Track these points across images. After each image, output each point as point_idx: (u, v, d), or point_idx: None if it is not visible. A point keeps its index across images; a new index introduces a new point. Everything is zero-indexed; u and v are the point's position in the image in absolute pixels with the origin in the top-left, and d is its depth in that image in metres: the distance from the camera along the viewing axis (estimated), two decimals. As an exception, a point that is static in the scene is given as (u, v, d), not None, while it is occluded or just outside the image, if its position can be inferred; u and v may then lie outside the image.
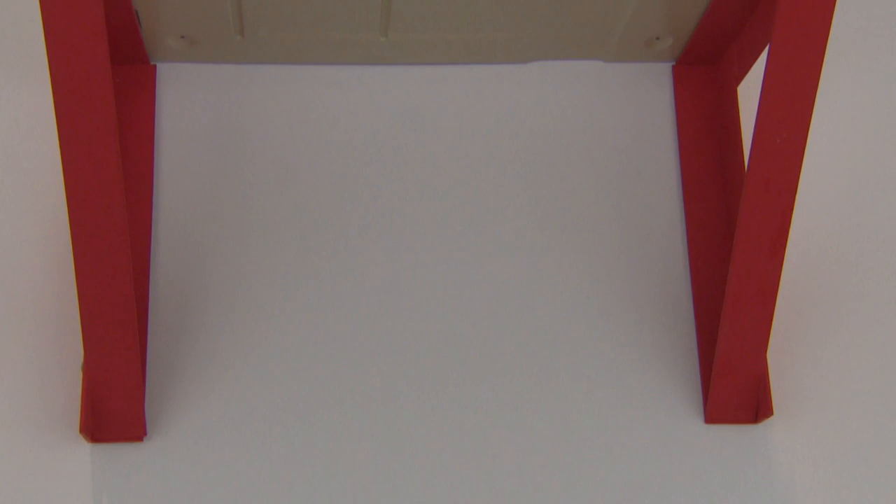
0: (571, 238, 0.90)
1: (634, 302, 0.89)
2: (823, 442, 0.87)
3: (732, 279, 0.81)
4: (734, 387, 0.83)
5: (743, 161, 0.89)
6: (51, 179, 0.88)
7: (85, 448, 0.83)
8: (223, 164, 0.90)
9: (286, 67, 0.93)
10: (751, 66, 0.89)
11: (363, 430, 0.85)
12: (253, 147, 0.91)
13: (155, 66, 0.91)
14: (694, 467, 0.85)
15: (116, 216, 0.76)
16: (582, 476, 0.85)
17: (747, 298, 0.81)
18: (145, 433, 0.83)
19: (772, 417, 0.84)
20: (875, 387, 0.88)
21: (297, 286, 0.87)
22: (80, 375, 0.83)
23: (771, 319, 0.82)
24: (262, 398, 0.85)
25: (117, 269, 0.77)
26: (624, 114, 0.94)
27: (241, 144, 0.91)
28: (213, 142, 0.91)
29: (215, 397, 0.84)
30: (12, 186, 0.89)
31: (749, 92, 0.90)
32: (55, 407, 0.84)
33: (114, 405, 0.81)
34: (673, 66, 0.94)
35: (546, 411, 0.86)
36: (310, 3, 0.85)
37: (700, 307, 0.88)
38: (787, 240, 0.80)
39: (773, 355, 0.87)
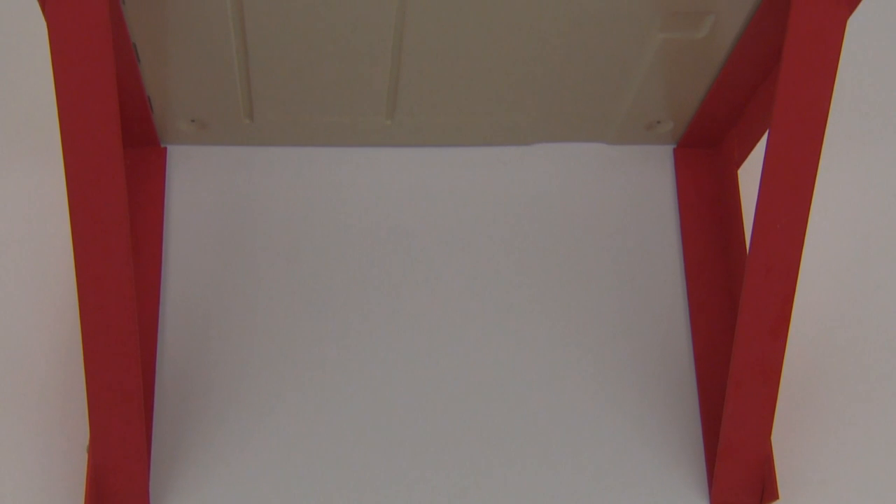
0: (573, 320, 0.91)
1: (637, 384, 0.89)
2: (828, 524, 0.87)
3: (735, 361, 0.82)
4: (739, 470, 0.83)
5: (744, 244, 0.90)
6: (60, 260, 0.89)
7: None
8: (231, 245, 0.91)
9: (293, 149, 0.94)
10: (751, 150, 0.91)
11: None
12: (261, 227, 0.92)
13: (165, 149, 0.92)
14: (699, 549, 0.86)
15: (125, 298, 0.76)
16: (587, 558, 0.85)
17: (751, 381, 0.81)
18: (150, 515, 0.83)
19: (777, 501, 0.84)
20: (881, 469, 0.88)
21: (304, 369, 0.88)
22: (85, 458, 0.83)
23: (775, 402, 0.82)
24: (268, 482, 0.85)
25: (125, 351, 0.77)
26: (626, 195, 0.95)
27: (249, 225, 0.92)
28: (222, 222, 0.92)
29: (220, 481, 0.84)
30: (22, 266, 0.90)
31: (750, 175, 0.92)
32: (60, 489, 0.83)
33: (119, 488, 0.81)
34: (674, 149, 0.96)
35: (550, 495, 0.86)
36: (318, 88, 0.86)
37: (703, 389, 0.89)
38: (789, 322, 0.81)
39: (777, 438, 0.87)
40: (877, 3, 1.01)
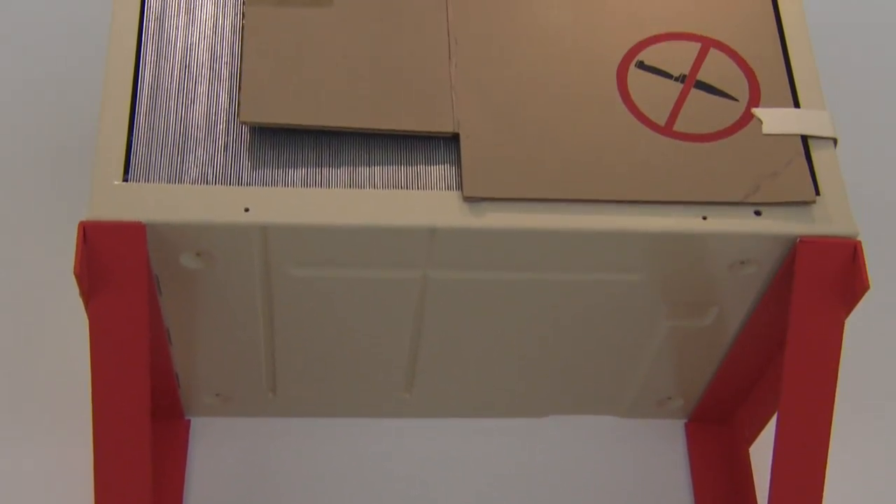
0: None
1: None
2: None
3: None
4: None
5: (757, 523, 0.91)
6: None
7: None
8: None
9: (314, 420, 0.97)
10: (761, 428, 0.93)
11: None
12: (281, 497, 0.93)
13: (189, 421, 0.95)
14: None
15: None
16: None
17: None
18: None
19: None
20: None
21: None
22: None
23: None
24: None
25: None
26: (638, 468, 0.97)
27: (269, 495, 0.93)
28: (242, 492, 0.93)
29: None
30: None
31: (762, 453, 0.93)
32: None
33: None
34: (686, 424, 0.98)
35: None
36: (339, 366, 0.90)
37: None
38: None
39: None
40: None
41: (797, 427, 0.79)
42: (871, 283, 0.75)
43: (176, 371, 0.89)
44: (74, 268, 0.71)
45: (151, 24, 0.81)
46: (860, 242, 0.76)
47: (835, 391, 0.80)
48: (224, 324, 0.84)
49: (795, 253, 0.76)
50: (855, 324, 0.84)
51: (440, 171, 0.77)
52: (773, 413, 0.89)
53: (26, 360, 0.98)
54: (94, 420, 0.76)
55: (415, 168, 0.77)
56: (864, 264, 0.75)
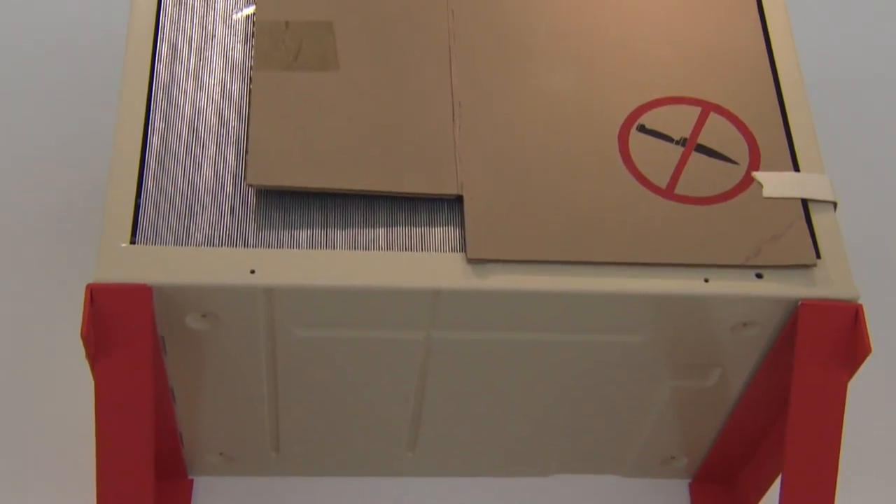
0: None
1: None
2: None
3: None
4: None
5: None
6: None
7: None
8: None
9: (317, 480, 0.96)
10: (766, 489, 0.92)
11: None
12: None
13: (192, 480, 0.95)
14: None
15: None
16: None
17: None
18: None
19: None
20: None
21: None
22: None
23: None
24: None
25: None
26: (643, 528, 0.97)
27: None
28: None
29: None
30: None
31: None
32: None
33: None
34: (690, 484, 0.98)
35: None
36: (342, 425, 0.90)
37: None
38: None
39: None
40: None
41: (801, 489, 0.79)
42: (872, 346, 0.75)
43: (180, 430, 0.89)
44: (81, 331, 0.72)
45: (160, 89, 0.82)
46: (861, 306, 0.77)
47: (838, 453, 0.80)
48: (228, 383, 0.84)
49: (797, 316, 0.77)
50: (859, 385, 0.84)
51: (444, 233, 0.78)
52: (778, 474, 0.89)
53: (31, 420, 0.98)
54: (98, 480, 0.76)
55: (419, 230, 0.78)
56: (866, 328, 0.76)
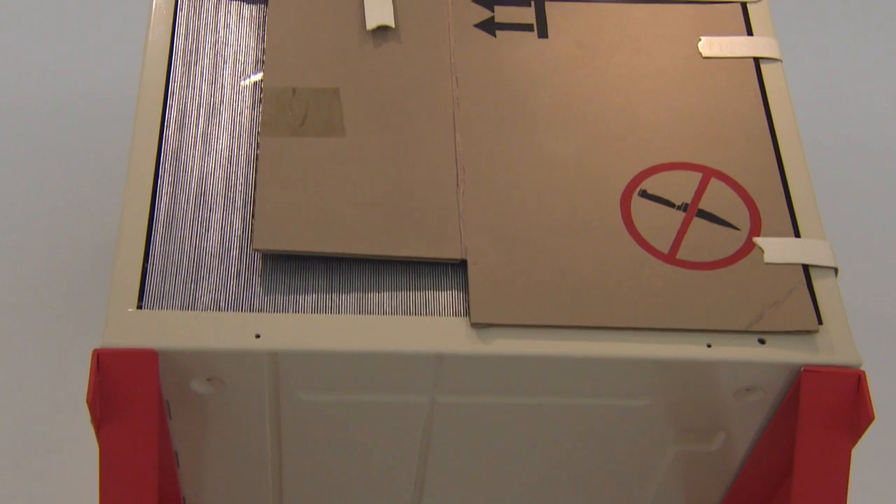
0: None
1: None
2: None
3: None
4: None
5: None
6: None
7: None
8: None
9: (320, 541, 0.97)
10: (770, 553, 0.93)
11: None
12: None
13: (195, 542, 0.95)
14: None
15: None
16: None
17: None
18: None
19: None
20: None
21: None
22: None
23: None
24: None
25: None
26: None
27: None
28: None
29: None
30: None
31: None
32: None
33: None
34: (695, 546, 0.98)
35: None
36: (346, 486, 0.90)
37: None
38: None
39: None
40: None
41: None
42: (876, 413, 0.75)
43: (183, 494, 0.89)
44: (87, 396, 0.72)
45: (169, 154, 0.83)
46: (864, 373, 0.77)
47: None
48: (232, 446, 0.84)
49: (800, 382, 0.77)
50: (863, 452, 0.84)
51: (448, 297, 0.79)
52: (783, 537, 0.89)
53: (36, 485, 0.98)
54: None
55: (423, 294, 0.79)
56: (869, 395, 0.76)
